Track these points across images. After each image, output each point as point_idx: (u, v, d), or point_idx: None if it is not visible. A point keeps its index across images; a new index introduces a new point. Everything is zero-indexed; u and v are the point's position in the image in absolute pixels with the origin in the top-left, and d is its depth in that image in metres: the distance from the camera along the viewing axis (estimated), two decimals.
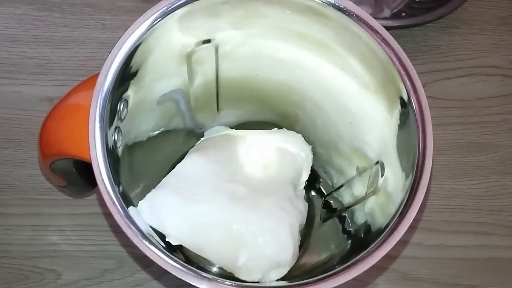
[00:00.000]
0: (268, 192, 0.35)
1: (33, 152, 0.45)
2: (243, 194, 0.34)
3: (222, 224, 0.32)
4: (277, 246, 0.33)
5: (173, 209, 0.32)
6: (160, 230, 0.32)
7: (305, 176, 0.40)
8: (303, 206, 0.37)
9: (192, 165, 0.36)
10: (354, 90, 0.36)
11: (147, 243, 0.28)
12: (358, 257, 0.29)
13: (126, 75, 0.32)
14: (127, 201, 0.30)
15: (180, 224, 0.32)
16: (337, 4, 0.32)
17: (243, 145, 0.38)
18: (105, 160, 0.29)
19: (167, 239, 0.32)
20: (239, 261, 0.32)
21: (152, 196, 0.33)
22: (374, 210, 0.34)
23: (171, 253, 0.28)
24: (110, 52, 0.31)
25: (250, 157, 0.37)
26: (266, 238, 0.32)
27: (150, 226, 0.32)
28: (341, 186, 0.40)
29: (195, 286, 0.28)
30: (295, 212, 0.35)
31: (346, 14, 0.32)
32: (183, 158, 0.37)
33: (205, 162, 0.36)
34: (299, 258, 0.36)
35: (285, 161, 0.37)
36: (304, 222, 0.38)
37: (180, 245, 0.33)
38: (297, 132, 0.40)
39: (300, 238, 0.37)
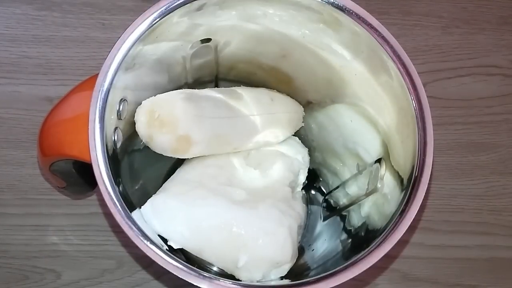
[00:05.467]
0: (266, 194, 0.35)
1: (33, 152, 0.45)
2: (242, 197, 0.34)
3: (222, 227, 0.33)
4: (276, 247, 0.33)
5: (174, 214, 0.33)
6: (162, 234, 0.32)
7: (302, 178, 0.40)
8: (301, 208, 0.38)
9: (192, 169, 0.36)
10: (353, 89, 0.36)
11: (148, 243, 0.28)
12: (358, 256, 0.29)
13: (126, 75, 0.32)
14: (128, 201, 0.30)
15: (181, 228, 0.32)
16: (336, 3, 0.32)
17: (241, 149, 0.38)
18: (105, 161, 0.29)
19: (168, 243, 0.33)
20: (239, 263, 0.32)
21: (153, 200, 0.33)
22: (373, 209, 0.34)
23: (172, 253, 0.28)
24: (110, 51, 0.31)
25: (248, 160, 0.37)
26: (265, 240, 0.33)
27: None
28: (337, 187, 0.40)
29: (195, 286, 0.28)
30: (293, 214, 0.35)
31: (345, 13, 0.32)
32: (182, 159, 0.37)
33: (205, 166, 0.36)
34: (299, 257, 0.36)
35: (283, 164, 0.38)
36: (303, 223, 0.38)
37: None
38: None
39: (299, 239, 0.37)
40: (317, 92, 0.39)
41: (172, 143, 0.34)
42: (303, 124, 0.40)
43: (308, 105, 0.40)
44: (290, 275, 0.34)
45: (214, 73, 0.39)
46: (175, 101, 0.34)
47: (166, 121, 0.33)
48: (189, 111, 0.34)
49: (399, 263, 0.45)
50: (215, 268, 0.36)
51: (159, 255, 0.28)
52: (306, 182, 0.40)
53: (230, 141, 0.36)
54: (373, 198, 0.34)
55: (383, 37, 0.32)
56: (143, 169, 0.37)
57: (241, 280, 0.33)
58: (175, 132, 0.34)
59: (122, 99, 0.32)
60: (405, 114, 0.32)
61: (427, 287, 0.45)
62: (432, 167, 0.30)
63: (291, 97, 0.40)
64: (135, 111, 0.35)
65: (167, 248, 0.31)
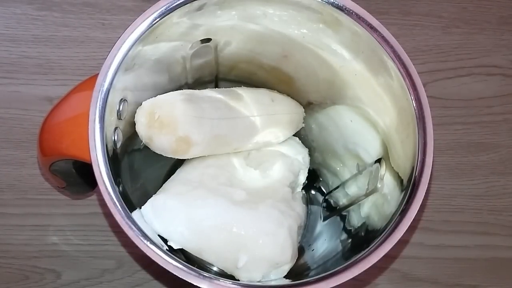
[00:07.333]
0: (266, 195, 0.35)
1: (33, 152, 0.45)
2: (242, 197, 0.34)
3: (222, 227, 0.33)
4: (276, 248, 0.33)
5: (174, 214, 0.33)
6: (162, 235, 0.32)
7: (302, 178, 0.40)
8: (301, 208, 0.38)
9: (192, 169, 0.36)
10: (354, 90, 0.36)
11: (148, 243, 0.28)
12: (358, 256, 0.29)
13: (126, 75, 0.32)
14: (128, 201, 0.30)
15: (181, 229, 0.33)
16: (336, 3, 0.32)
17: (242, 150, 0.38)
18: (105, 161, 0.29)
19: (168, 243, 0.33)
20: (239, 263, 0.32)
21: (153, 201, 0.33)
22: (373, 209, 0.34)
23: (172, 253, 0.28)
24: (110, 51, 0.31)
25: (248, 161, 0.37)
26: (265, 240, 0.33)
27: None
28: (337, 187, 0.40)
29: (195, 286, 0.28)
30: (293, 214, 0.35)
31: (345, 13, 0.32)
32: (182, 159, 0.37)
33: (205, 166, 0.36)
34: (299, 257, 0.36)
35: (283, 164, 0.38)
36: (303, 223, 0.38)
37: None
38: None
39: (299, 239, 0.37)
40: (318, 93, 0.39)
41: (172, 144, 0.34)
42: (303, 125, 0.40)
43: (309, 106, 0.40)
44: (290, 275, 0.34)
45: (214, 73, 0.39)
46: (175, 102, 0.34)
47: (166, 123, 0.33)
48: (189, 112, 0.34)
49: (399, 263, 0.45)
50: (215, 268, 0.36)
51: (159, 255, 0.28)
52: (306, 182, 0.40)
53: (230, 142, 0.36)
54: (373, 199, 0.34)
55: (383, 37, 0.32)
56: (143, 169, 0.37)
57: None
58: (174, 134, 0.34)
59: (122, 99, 0.32)
60: (405, 114, 0.32)
61: (427, 287, 0.45)
62: (432, 167, 0.30)
63: (292, 97, 0.40)
64: (135, 112, 0.35)
65: (167, 248, 0.31)
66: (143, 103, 0.34)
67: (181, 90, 0.36)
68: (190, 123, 0.34)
